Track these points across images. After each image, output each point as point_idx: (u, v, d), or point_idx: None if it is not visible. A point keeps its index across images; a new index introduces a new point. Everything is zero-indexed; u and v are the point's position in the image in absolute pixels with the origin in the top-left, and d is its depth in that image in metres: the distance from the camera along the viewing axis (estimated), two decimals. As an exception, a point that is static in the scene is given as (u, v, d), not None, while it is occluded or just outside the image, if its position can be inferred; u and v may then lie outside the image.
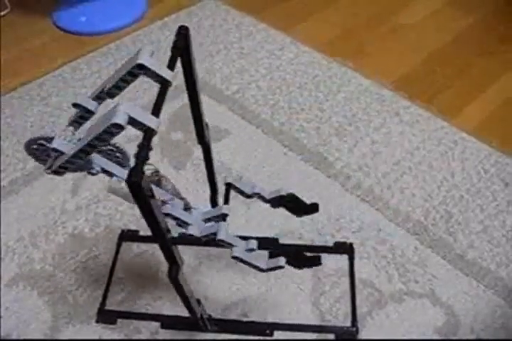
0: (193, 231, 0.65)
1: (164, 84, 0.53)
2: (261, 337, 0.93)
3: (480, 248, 1.05)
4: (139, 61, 0.51)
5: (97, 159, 0.61)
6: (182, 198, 0.68)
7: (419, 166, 1.20)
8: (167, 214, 0.63)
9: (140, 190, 0.46)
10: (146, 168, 0.64)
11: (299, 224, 1.08)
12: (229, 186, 0.74)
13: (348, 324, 0.94)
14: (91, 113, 0.58)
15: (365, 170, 1.19)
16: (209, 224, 0.67)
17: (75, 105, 0.57)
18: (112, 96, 0.57)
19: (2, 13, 1.66)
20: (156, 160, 1.19)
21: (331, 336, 0.93)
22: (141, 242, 1.06)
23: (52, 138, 0.57)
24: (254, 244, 0.67)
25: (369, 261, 1.03)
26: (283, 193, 0.73)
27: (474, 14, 1.64)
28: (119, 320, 0.95)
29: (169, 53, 0.55)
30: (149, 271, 1.02)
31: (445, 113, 1.32)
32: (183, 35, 0.57)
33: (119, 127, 0.47)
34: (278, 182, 1.16)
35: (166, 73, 0.53)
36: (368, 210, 1.11)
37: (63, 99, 1.38)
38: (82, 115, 0.58)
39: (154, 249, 1.05)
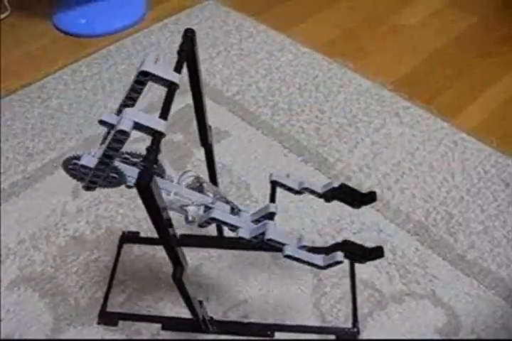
0: (244, 234, 0.62)
1: (171, 87, 0.53)
2: (262, 339, 0.93)
3: (481, 248, 1.05)
4: (142, 68, 0.52)
5: (131, 171, 0.61)
6: (228, 202, 0.67)
7: (420, 167, 1.20)
8: (213, 219, 0.61)
9: (149, 192, 0.46)
10: (187, 175, 0.67)
11: (299, 226, 1.08)
12: (275, 184, 0.70)
13: (349, 325, 0.94)
14: None
15: (366, 171, 1.19)
16: (257, 225, 0.64)
17: (101, 122, 0.57)
18: (129, 107, 0.58)
19: (2, 16, 1.66)
20: (157, 162, 1.19)
21: (332, 337, 0.93)
22: (142, 244, 1.06)
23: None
24: (305, 241, 0.64)
25: (370, 262, 1.02)
26: (335, 185, 0.70)
27: (474, 15, 1.64)
28: (120, 322, 0.95)
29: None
30: (150, 272, 1.02)
31: (445, 113, 1.32)
32: (189, 38, 0.57)
33: (124, 133, 0.48)
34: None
35: (173, 76, 0.53)
36: (368, 211, 1.11)
37: (64, 102, 1.38)
38: (110, 131, 0.59)
39: (155, 251, 1.05)
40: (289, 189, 0.71)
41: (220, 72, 1.45)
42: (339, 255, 0.65)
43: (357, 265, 1.01)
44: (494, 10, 1.67)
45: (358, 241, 1.04)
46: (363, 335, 0.93)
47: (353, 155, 1.22)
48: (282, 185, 0.70)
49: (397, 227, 1.08)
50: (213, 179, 0.85)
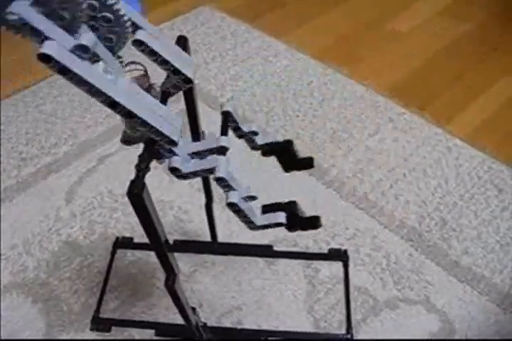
0: (177, 164, 0.52)
1: (166, 94, 0.53)
2: (256, 345, 0.93)
3: (474, 254, 1.05)
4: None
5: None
6: None
7: (414, 173, 1.20)
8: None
9: (141, 201, 0.45)
10: (134, 67, 0.55)
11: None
12: (227, 115, 0.62)
13: (343, 331, 0.94)
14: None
15: (360, 177, 1.19)
16: (198, 159, 0.54)
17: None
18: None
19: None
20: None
21: (326, 343, 0.93)
22: (135, 249, 1.06)
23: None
24: (252, 192, 0.56)
25: (364, 267, 1.03)
26: (280, 140, 0.65)
27: (468, 22, 1.65)
28: (113, 328, 0.95)
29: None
30: (144, 278, 1.02)
31: (439, 119, 1.33)
32: (181, 45, 0.57)
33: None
34: (273, 188, 1.16)
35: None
36: (362, 217, 1.11)
37: (58, 106, 1.38)
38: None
39: (149, 257, 1.04)
40: (236, 128, 0.64)
41: (214, 78, 1.45)
42: (281, 216, 0.58)
43: (351, 271, 1.01)
44: (487, 17, 1.68)
45: (352, 248, 1.05)
46: (356, 341, 0.93)
47: (347, 160, 1.23)
48: (233, 121, 0.63)
49: (391, 233, 1.08)
50: (207, 184, 0.85)
